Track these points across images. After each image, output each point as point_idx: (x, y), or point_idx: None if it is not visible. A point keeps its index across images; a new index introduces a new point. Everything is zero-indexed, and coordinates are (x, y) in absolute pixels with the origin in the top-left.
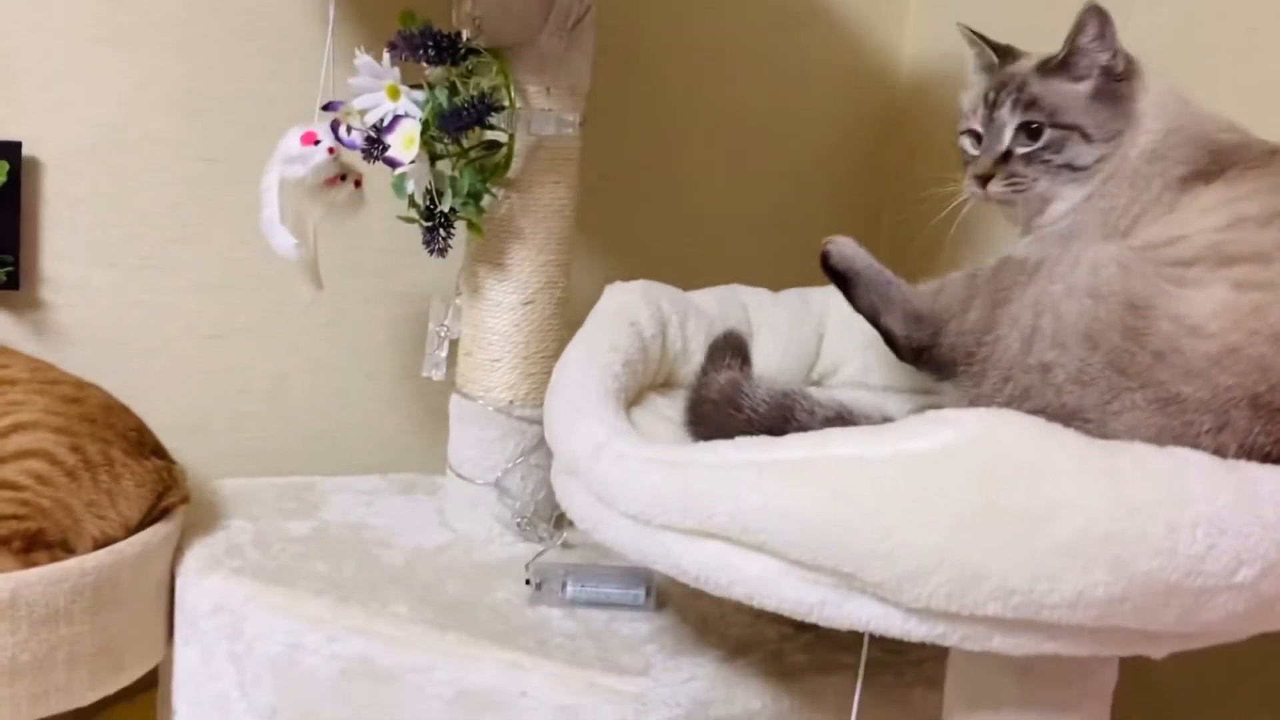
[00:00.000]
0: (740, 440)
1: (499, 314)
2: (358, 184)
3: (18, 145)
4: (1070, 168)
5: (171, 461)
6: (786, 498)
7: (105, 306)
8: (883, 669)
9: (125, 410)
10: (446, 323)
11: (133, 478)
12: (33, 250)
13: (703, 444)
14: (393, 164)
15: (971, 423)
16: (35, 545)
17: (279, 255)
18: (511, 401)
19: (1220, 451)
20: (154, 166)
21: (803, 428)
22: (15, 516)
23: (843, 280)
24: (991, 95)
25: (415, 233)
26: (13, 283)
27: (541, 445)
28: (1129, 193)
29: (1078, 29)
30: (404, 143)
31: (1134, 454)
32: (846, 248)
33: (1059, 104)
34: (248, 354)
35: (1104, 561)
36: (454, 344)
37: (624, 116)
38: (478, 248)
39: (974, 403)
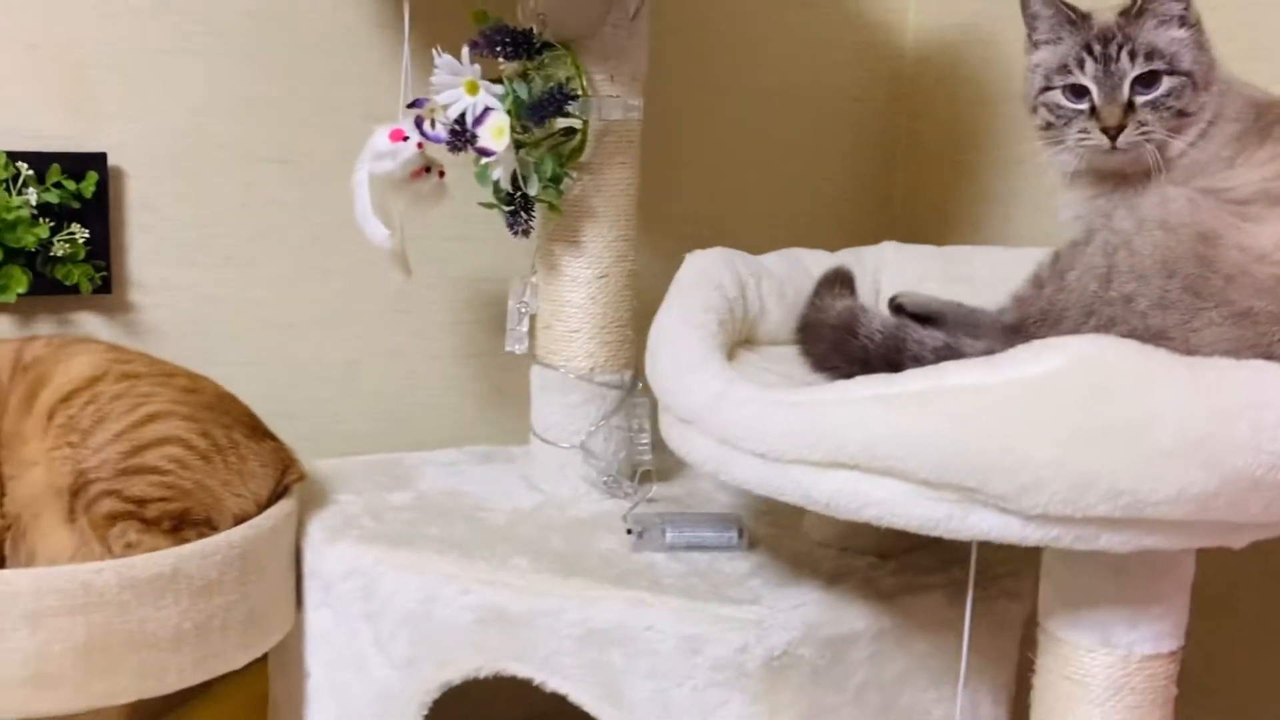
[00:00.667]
0: (858, 379)
1: (575, 288)
2: (441, 175)
3: (103, 156)
4: (1183, 114)
5: (282, 443)
6: (913, 425)
7: (188, 304)
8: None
9: (235, 398)
10: (525, 299)
11: (256, 458)
12: (121, 255)
13: (820, 385)
14: (485, 153)
15: (1076, 348)
16: (183, 524)
17: (373, 244)
18: (591, 369)
19: None
20: (226, 169)
21: (915, 356)
22: (162, 499)
23: (926, 324)
24: (1098, 47)
25: (474, 220)
26: (105, 287)
27: (621, 408)
28: (1210, 147)
29: None
30: (494, 133)
31: (1218, 367)
32: (916, 296)
33: (1175, 51)
34: (320, 343)
35: (1199, 461)
36: (532, 319)
37: (653, 100)
38: (554, 228)
39: None
